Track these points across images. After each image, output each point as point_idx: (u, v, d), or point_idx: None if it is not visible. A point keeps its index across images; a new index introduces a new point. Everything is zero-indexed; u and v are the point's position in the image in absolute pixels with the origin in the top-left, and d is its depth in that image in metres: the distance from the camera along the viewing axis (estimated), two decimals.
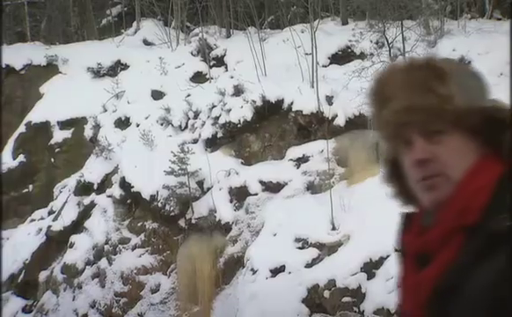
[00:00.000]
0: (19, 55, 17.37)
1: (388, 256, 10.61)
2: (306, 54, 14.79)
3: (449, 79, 1.50)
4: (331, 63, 15.74)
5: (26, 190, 15.26)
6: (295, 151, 13.69)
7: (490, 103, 1.54)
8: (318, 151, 13.43)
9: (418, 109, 1.47)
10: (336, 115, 13.77)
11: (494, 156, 1.54)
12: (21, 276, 13.84)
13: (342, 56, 15.84)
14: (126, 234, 13.92)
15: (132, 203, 14.12)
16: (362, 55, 15.35)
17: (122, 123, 15.38)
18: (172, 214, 13.47)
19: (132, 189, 13.90)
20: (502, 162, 1.53)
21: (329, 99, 14.00)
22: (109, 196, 14.29)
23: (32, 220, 14.74)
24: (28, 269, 13.92)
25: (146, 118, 15.07)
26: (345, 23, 17.61)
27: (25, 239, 14.26)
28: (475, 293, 1.41)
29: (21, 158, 15.45)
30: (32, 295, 13.75)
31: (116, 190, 14.15)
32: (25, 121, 15.89)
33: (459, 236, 1.47)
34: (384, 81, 1.52)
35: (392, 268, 9.88)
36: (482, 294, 1.40)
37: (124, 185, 14.04)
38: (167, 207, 13.52)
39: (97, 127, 15.44)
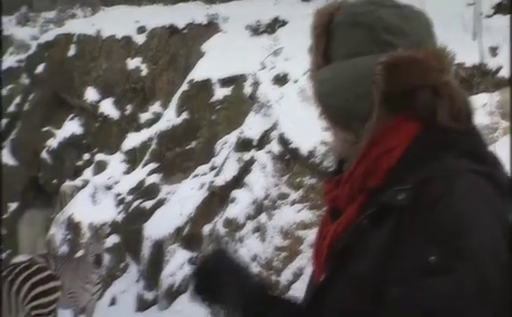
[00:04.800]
0: (182, 14, 17.88)
1: None
2: (469, 4, 14.15)
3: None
4: (495, 13, 14.96)
5: (190, 146, 15.76)
6: None
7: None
8: (481, 104, 12.88)
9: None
10: (500, 67, 13.12)
11: (409, 114, 1.44)
12: (186, 230, 14.35)
13: (508, 5, 15.00)
14: (285, 190, 14.08)
15: (290, 159, 14.24)
16: None
17: (280, 80, 15.49)
18: (331, 169, 13.44)
19: (290, 145, 14.02)
20: (418, 121, 1.44)
21: (493, 51, 13.35)
22: (268, 152, 14.49)
23: (196, 175, 15.20)
24: (193, 223, 14.39)
25: (304, 74, 15.07)
26: None
27: (189, 193, 14.77)
28: (362, 261, 1.36)
29: (184, 115, 15.96)
30: (196, 248, 14.20)
31: (275, 146, 14.33)
32: (187, 80, 16.34)
33: (362, 197, 1.43)
34: None
35: None
36: (366, 264, 1.36)
37: (283, 141, 14.18)
38: (325, 163, 13.53)
39: (255, 84, 15.63)
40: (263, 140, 14.76)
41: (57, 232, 15.49)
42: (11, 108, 17.29)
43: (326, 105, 1.53)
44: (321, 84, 1.54)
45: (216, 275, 1.66)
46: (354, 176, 1.45)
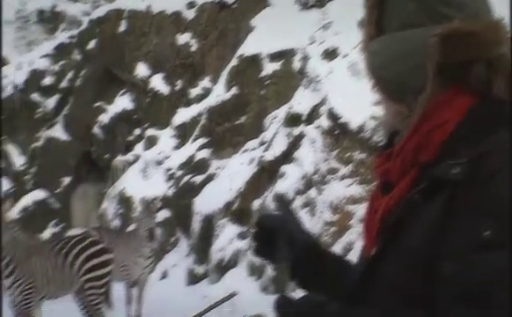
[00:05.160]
0: None
1: None
2: None
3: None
4: None
5: (239, 121, 15.80)
6: None
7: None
8: None
9: None
10: None
11: (462, 88, 1.42)
12: (236, 205, 14.43)
13: None
14: (334, 165, 14.05)
15: (340, 134, 14.19)
16: None
17: (330, 54, 15.39)
18: (381, 144, 13.36)
19: (340, 120, 13.96)
20: (471, 94, 1.41)
21: None
22: (317, 127, 14.45)
23: (245, 150, 15.24)
24: (242, 198, 14.46)
25: (353, 48, 14.94)
26: None
27: (238, 168, 14.83)
28: (414, 235, 1.36)
29: (234, 90, 15.99)
30: (246, 222, 14.26)
31: (324, 121, 14.28)
32: (237, 55, 16.35)
33: (414, 171, 1.41)
34: None
35: None
36: (418, 238, 1.35)
37: (332, 116, 14.12)
38: (375, 137, 13.44)
39: (305, 58, 15.56)
40: (312, 115, 14.72)
41: (109, 207, 15.74)
42: (64, 84, 17.56)
43: (379, 77, 1.52)
44: (373, 57, 1.52)
45: (273, 233, 1.69)
46: (405, 150, 1.44)
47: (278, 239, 1.67)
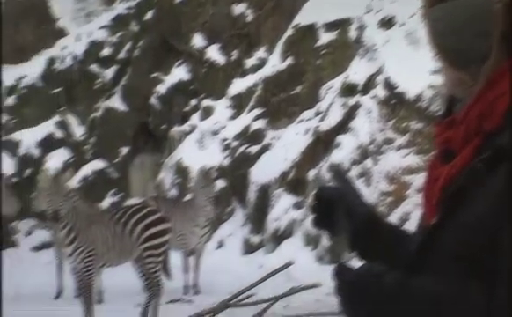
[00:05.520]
0: None
1: None
2: None
3: None
4: None
5: (295, 92, 15.77)
6: None
7: None
8: None
9: None
10: None
11: None
12: (291, 175, 14.46)
13: None
14: (390, 134, 13.95)
15: (396, 104, 14.06)
16: None
17: (386, 23, 15.21)
18: (438, 114, 13.19)
19: (396, 90, 13.83)
20: None
21: None
22: (373, 97, 14.34)
23: (301, 121, 15.23)
24: (298, 168, 14.48)
25: (410, 17, 14.74)
26: None
27: (294, 138, 14.84)
28: (476, 206, 1.34)
29: (289, 60, 15.94)
30: (301, 192, 14.29)
31: (380, 91, 14.16)
32: (292, 24, 16.28)
33: (478, 139, 1.39)
34: None
35: None
36: (480, 208, 1.34)
37: (388, 85, 13.99)
38: (432, 107, 13.28)
39: (361, 28, 15.41)
40: (368, 85, 14.60)
41: (166, 177, 15.94)
42: (122, 55, 17.75)
43: (441, 45, 1.50)
44: (435, 24, 1.50)
45: (332, 205, 1.69)
46: (469, 118, 1.42)
47: (337, 210, 1.67)
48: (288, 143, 14.83)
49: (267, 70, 16.13)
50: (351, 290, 1.44)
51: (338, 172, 1.80)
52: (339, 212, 1.67)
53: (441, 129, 1.53)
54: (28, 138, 16.82)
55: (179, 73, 17.08)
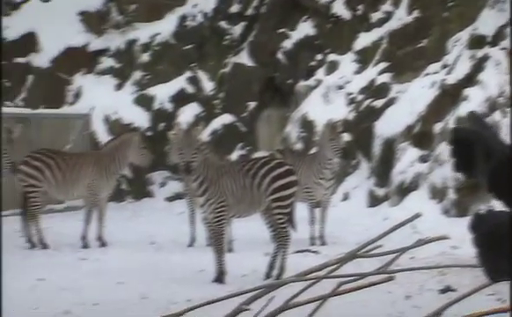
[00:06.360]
0: None
1: None
2: None
3: None
4: None
5: (421, 45, 15.64)
6: None
7: None
8: None
9: None
10: None
11: None
12: (417, 128, 14.42)
13: None
14: None
15: None
16: None
17: None
18: None
19: None
20: None
21: None
22: (503, 49, 14.01)
23: (427, 74, 15.11)
24: (423, 121, 14.41)
25: None
26: None
27: (419, 92, 14.76)
28: None
29: (415, 13, 15.80)
30: (427, 146, 14.22)
31: (510, 42, 13.80)
32: None
33: None
34: None
35: None
36: None
37: None
38: None
39: None
40: (497, 36, 14.26)
41: (292, 130, 16.29)
42: (249, 11, 18.12)
43: None
44: None
45: (471, 147, 1.69)
46: None
47: (475, 152, 1.68)
48: (414, 96, 14.76)
49: (393, 24, 16.05)
50: (490, 241, 1.46)
51: (474, 118, 1.83)
52: (478, 154, 1.68)
53: None
54: (161, 93, 17.58)
55: (305, 28, 17.27)
